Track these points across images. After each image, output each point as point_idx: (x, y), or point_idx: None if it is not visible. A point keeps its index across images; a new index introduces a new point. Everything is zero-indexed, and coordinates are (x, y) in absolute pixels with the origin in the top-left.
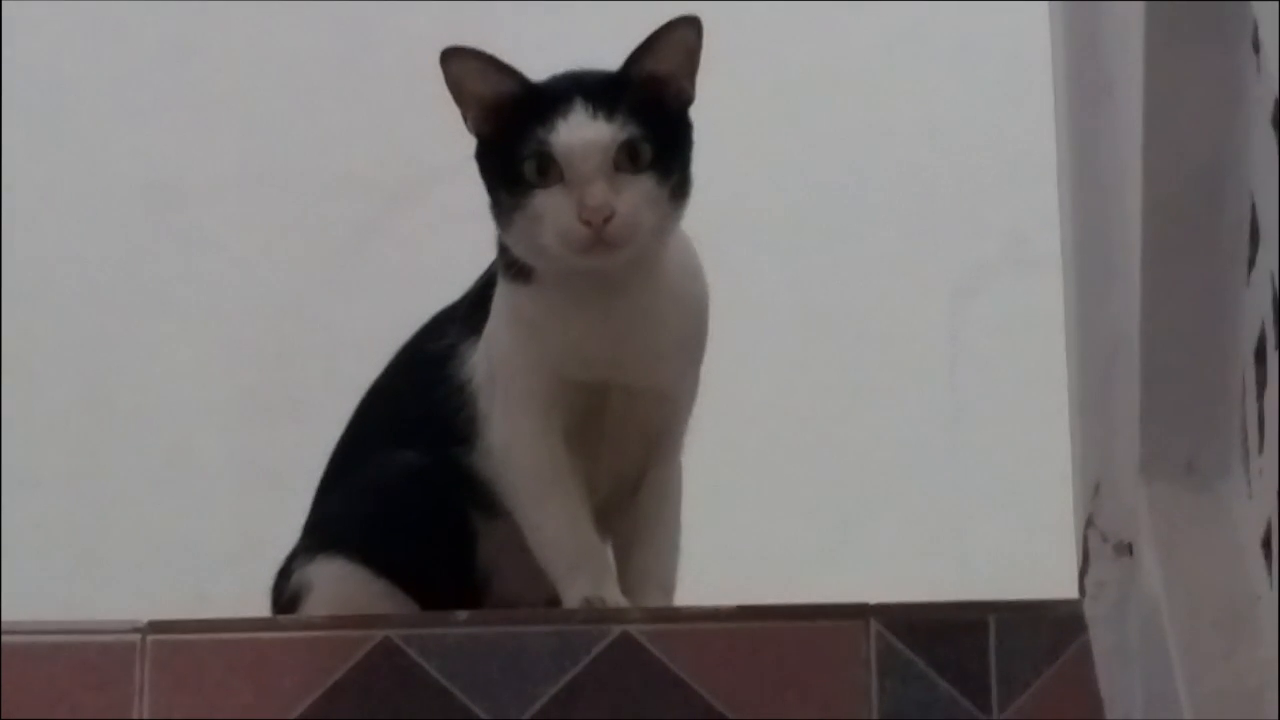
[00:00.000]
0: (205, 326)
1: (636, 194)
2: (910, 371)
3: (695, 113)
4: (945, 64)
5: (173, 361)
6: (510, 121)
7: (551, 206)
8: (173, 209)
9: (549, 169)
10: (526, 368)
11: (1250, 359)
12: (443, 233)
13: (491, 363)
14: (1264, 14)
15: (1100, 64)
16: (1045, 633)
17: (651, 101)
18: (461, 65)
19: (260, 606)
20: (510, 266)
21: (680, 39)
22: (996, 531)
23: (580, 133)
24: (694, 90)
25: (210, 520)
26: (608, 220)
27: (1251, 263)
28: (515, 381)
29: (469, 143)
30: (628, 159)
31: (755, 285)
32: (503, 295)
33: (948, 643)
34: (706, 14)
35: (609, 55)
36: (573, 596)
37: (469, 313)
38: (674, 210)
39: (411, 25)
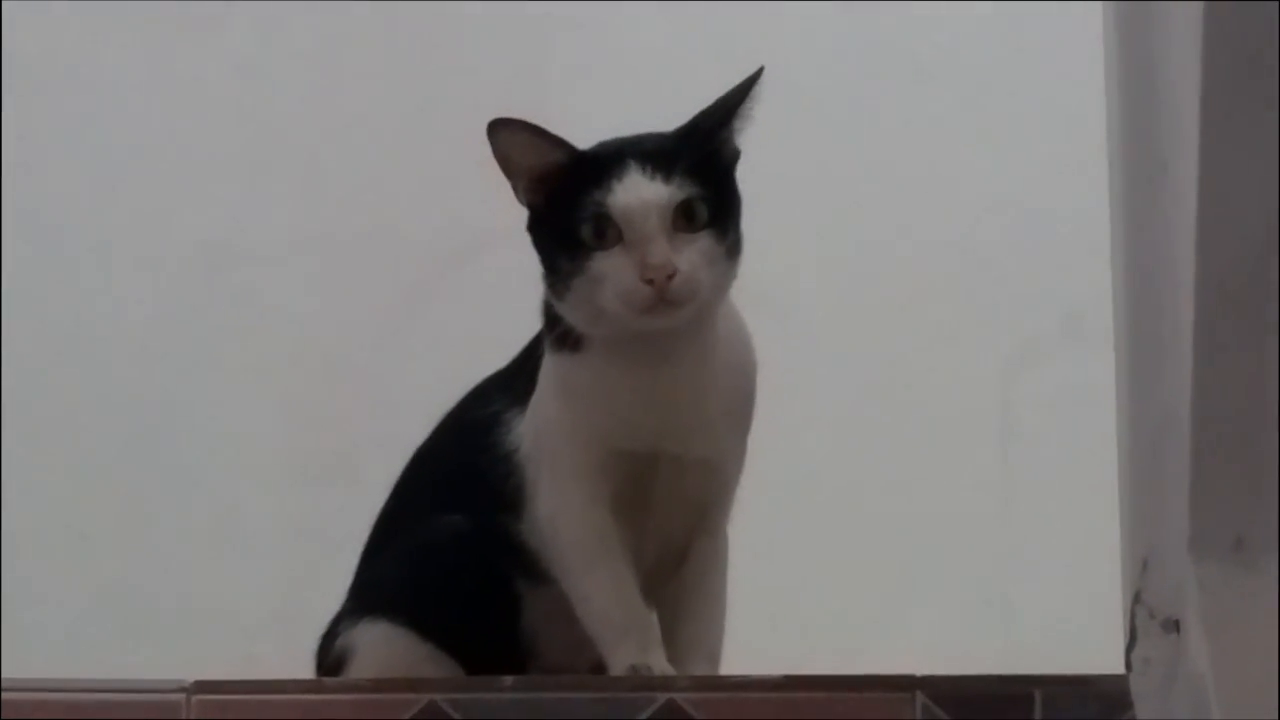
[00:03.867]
0: (255, 386)
1: (696, 252)
2: (961, 443)
3: (749, 179)
4: (1004, 137)
5: (222, 421)
6: (562, 189)
7: (612, 268)
8: (226, 269)
9: (607, 231)
10: (574, 438)
11: None
12: (494, 297)
13: (538, 433)
14: None
15: (1155, 142)
16: (1091, 707)
17: (705, 161)
18: (509, 137)
19: (305, 668)
20: (560, 338)
21: (739, 98)
22: (1044, 605)
23: (638, 193)
24: (739, 146)
25: (256, 581)
26: (670, 278)
27: None
28: (563, 451)
29: (521, 208)
30: (685, 218)
31: (808, 355)
32: (550, 366)
33: (993, 716)
34: (767, 79)
35: (661, 115)
36: (619, 663)
37: (515, 382)
38: (730, 268)
39: (467, 90)
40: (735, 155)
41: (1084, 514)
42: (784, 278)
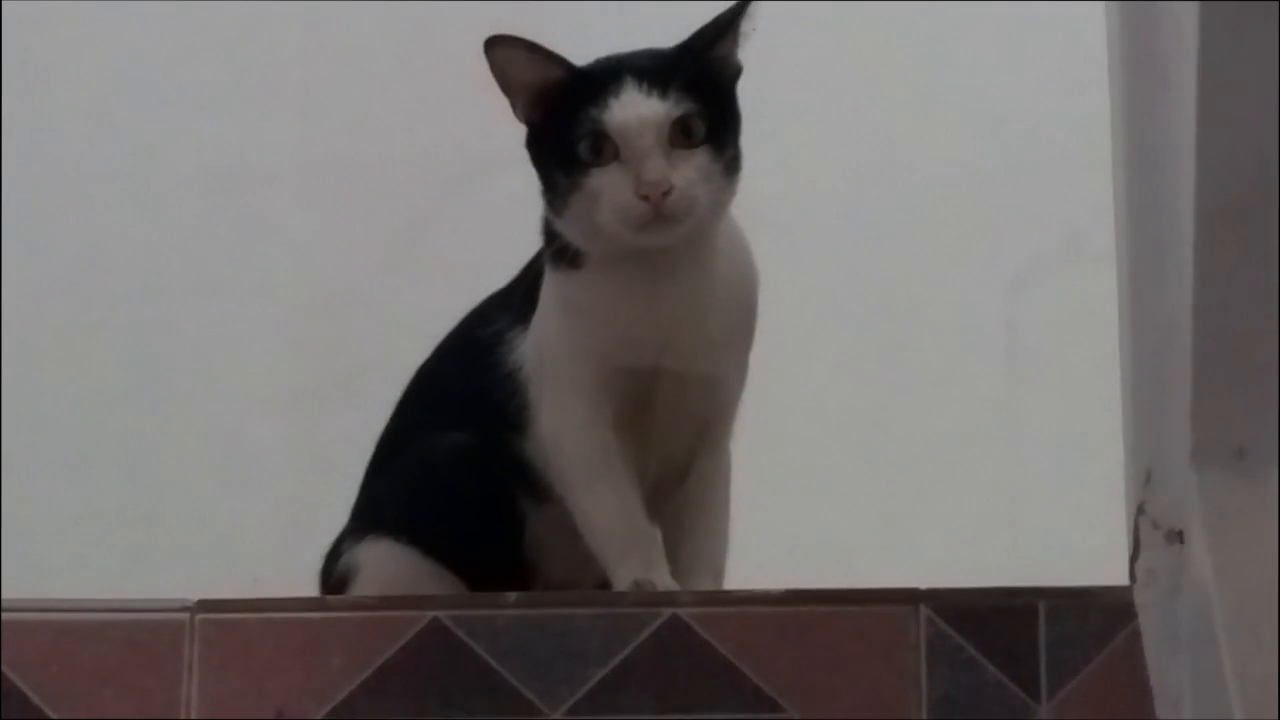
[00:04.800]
0: (259, 311)
1: (692, 168)
2: (965, 361)
3: (753, 100)
4: (1003, 57)
5: (226, 346)
6: (559, 106)
7: (608, 184)
8: (228, 194)
9: (604, 148)
10: (576, 355)
11: None
12: (498, 220)
13: (540, 351)
14: None
15: (1156, 55)
16: (1095, 619)
17: (702, 77)
18: (505, 54)
19: (309, 589)
20: (559, 254)
21: (738, 16)
22: (1048, 518)
23: (634, 109)
24: (740, 63)
25: (261, 503)
26: (665, 195)
27: None
28: (565, 369)
29: (521, 131)
30: (682, 135)
31: (811, 273)
32: (551, 284)
33: (997, 628)
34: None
35: (663, 38)
36: (623, 579)
37: (517, 301)
38: (728, 185)
39: (469, 12)
40: (736, 72)
41: (1087, 429)
42: (787, 198)
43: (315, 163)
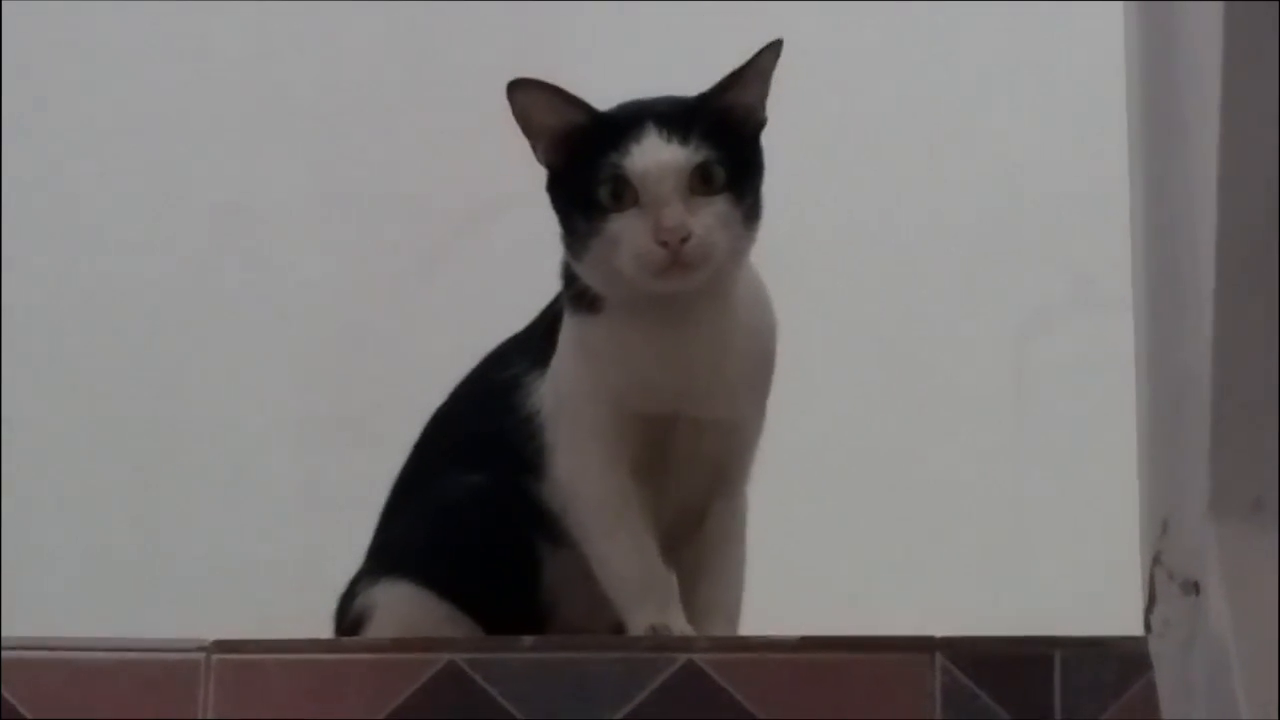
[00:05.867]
0: (271, 348)
1: (711, 216)
2: (976, 408)
3: (771, 145)
4: (1019, 105)
5: (238, 382)
6: (581, 150)
7: (628, 230)
8: (239, 230)
9: (624, 193)
10: (594, 400)
11: None
12: (510, 259)
13: (558, 395)
14: None
15: (1176, 103)
16: (1110, 669)
17: (725, 125)
18: (529, 97)
19: (321, 629)
20: (578, 298)
21: (763, 66)
22: (1061, 567)
23: (655, 155)
24: (766, 114)
25: (273, 542)
26: (684, 241)
27: None
28: (582, 413)
29: (538, 170)
30: (702, 182)
31: (824, 319)
32: (570, 328)
33: (1013, 677)
34: (785, 45)
35: (677, 84)
36: (638, 624)
37: (535, 344)
38: (747, 233)
39: (482, 51)
40: (760, 123)
41: (1097, 477)
42: (799, 243)
43: (328, 199)
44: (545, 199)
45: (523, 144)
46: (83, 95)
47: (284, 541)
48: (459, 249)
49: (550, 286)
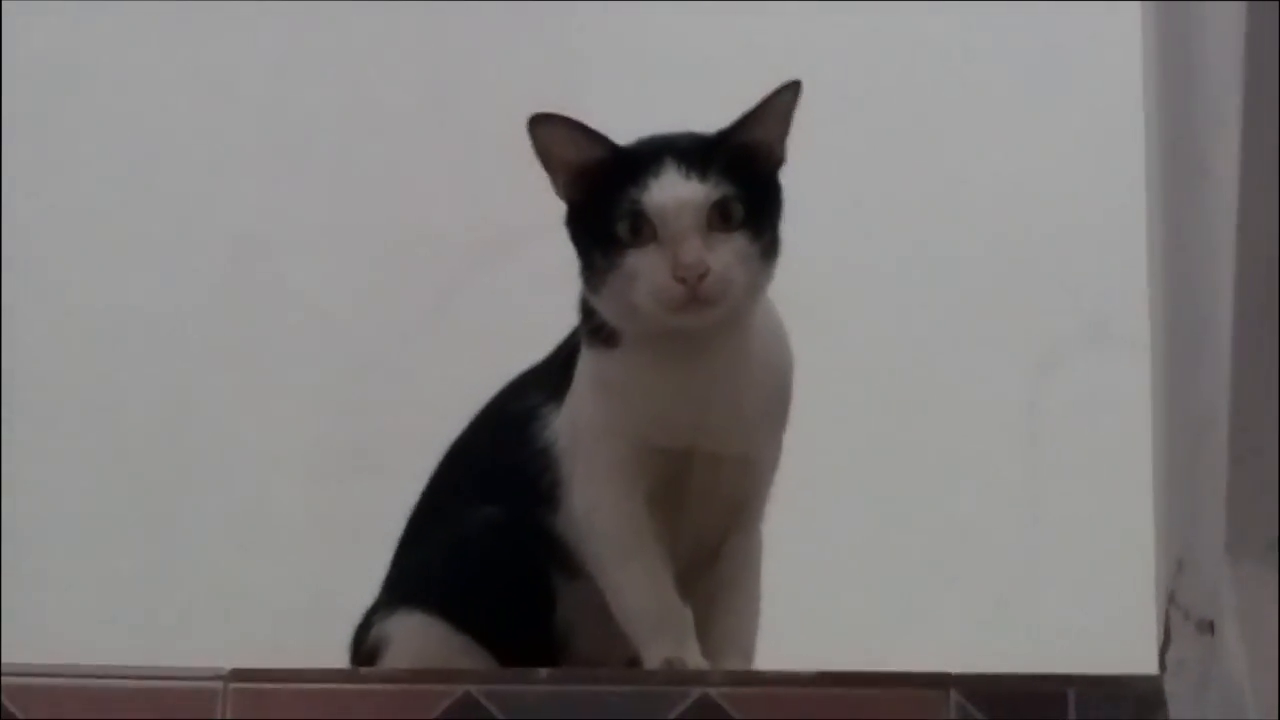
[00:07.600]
0: (288, 379)
1: (729, 252)
2: (989, 445)
3: (787, 181)
4: (1031, 139)
5: (253, 414)
6: (600, 185)
7: (645, 265)
8: (257, 262)
9: (642, 228)
10: (610, 434)
11: None
12: (525, 293)
13: (575, 427)
14: None
15: (1196, 145)
16: (1124, 708)
17: (744, 162)
18: (549, 132)
19: (334, 660)
20: (595, 332)
21: (782, 105)
22: (1075, 604)
23: (673, 191)
24: (785, 152)
25: (287, 573)
26: (702, 278)
27: None
28: (599, 447)
29: (554, 204)
30: (720, 218)
31: (838, 355)
32: (587, 361)
33: (1027, 714)
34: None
35: (695, 118)
36: (653, 657)
37: (552, 377)
38: (765, 269)
39: (500, 85)
40: (779, 160)
41: (1109, 515)
42: (814, 279)
43: (345, 231)
44: (563, 233)
45: (541, 177)
46: (103, 126)
47: (299, 572)
48: (476, 282)
49: (567, 320)
